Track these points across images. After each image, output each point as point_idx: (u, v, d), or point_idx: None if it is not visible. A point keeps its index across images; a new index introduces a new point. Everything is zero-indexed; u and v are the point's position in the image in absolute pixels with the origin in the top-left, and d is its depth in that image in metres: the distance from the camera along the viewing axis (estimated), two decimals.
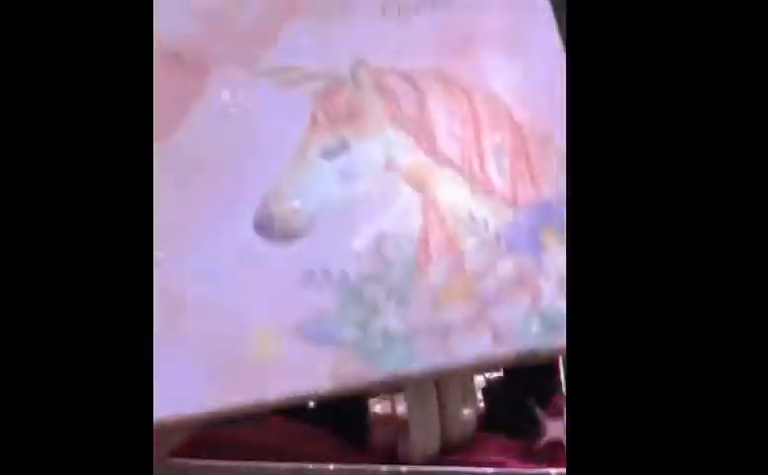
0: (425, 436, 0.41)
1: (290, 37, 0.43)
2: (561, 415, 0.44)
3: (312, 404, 0.41)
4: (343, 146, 0.41)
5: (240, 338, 0.37)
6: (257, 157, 0.40)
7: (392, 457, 0.42)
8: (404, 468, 0.41)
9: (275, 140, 0.41)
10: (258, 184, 0.40)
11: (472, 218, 0.40)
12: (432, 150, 0.41)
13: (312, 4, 0.44)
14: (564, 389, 0.46)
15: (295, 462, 0.41)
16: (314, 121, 0.41)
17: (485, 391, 0.45)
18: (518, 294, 0.38)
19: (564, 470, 0.40)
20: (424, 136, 0.41)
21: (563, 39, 0.43)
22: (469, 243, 0.39)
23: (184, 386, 0.36)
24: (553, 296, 0.38)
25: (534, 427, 0.44)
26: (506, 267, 0.39)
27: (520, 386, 0.46)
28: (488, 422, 0.45)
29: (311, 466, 0.41)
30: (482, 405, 0.44)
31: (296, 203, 0.40)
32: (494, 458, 0.43)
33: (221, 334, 0.37)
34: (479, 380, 0.45)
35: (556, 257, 0.39)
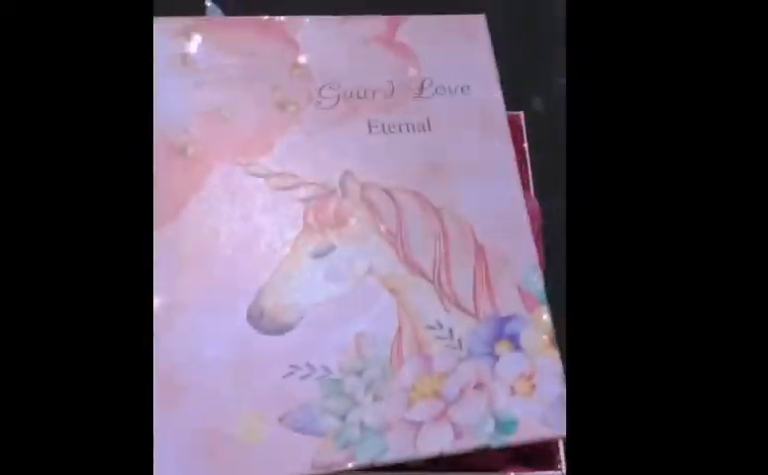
0: None
1: (285, 145, 0.47)
2: None
3: None
4: (331, 249, 0.45)
5: (227, 422, 0.41)
6: (253, 252, 0.44)
7: None
8: None
9: (270, 237, 0.45)
10: (252, 277, 0.44)
11: (440, 325, 0.45)
12: (408, 261, 0.46)
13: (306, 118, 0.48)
14: None
15: None
16: (306, 223, 0.45)
17: None
18: (475, 396, 0.44)
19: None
20: (400, 246, 0.46)
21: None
22: (436, 348, 0.45)
23: (172, 465, 0.39)
24: (506, 399, 0.44)
25: None
26: (466, 371, 0.44)
27: None
28: None
29: None
30: None
31: (287, 299, 0.44)
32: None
33: (209, 416, 0.41)
34: None
35: (508, 365, 0.45)
